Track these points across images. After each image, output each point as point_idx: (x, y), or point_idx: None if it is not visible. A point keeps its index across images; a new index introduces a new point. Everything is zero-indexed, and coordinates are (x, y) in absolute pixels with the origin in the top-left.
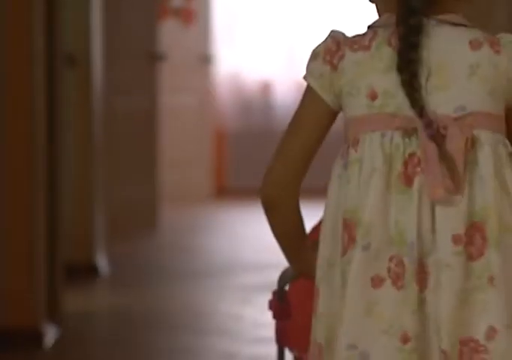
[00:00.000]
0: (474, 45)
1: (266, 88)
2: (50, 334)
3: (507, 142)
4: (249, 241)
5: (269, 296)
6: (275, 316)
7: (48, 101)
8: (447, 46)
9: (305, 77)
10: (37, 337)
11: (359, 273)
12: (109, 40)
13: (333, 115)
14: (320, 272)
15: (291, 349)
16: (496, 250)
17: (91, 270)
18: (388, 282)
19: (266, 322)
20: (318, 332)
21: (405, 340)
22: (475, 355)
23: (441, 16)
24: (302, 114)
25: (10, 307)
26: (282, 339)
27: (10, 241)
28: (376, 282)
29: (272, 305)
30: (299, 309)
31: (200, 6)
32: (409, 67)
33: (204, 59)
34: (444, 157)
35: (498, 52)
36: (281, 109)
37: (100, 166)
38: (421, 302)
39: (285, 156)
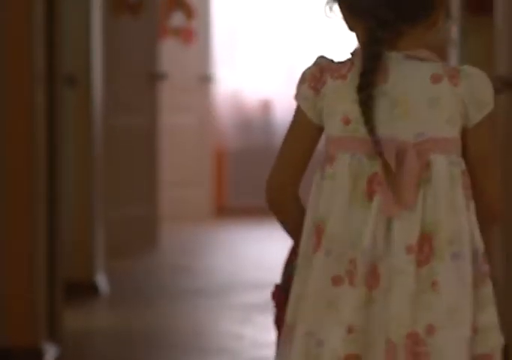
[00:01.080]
0: (435, 79)
1: (265, 107)
2: (50, 353)
3: (460, 160)
4: (249, 260)
5: (269, 316)
6: (277, 306)
7: (48, 121)
8: (411, 79)
9: (295, 98)
10: (38, 355)
11: (321, 273)
12: (109, 59)
13: (320, 129)
14: (299, 262)
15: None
16: (440, 260)
17: (91, 288)
18: (346, 281)
19: (266, 342)
20: (289, 315)
21: (350, 331)
22: (416, 347)
23: (408, 52)
24: (295, 128)
25: (10, 325)
26: (281, 327)
27: (10, 259)
28: (336, 281)
29: (275, 295)
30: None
31: (200, 25)
32: (366, 90)
33: (204, 78)
34: (400, 177)
35: (456, 84)
36: (281, 128)
37: (100, 184)
38: (368, 300)
39: (282, 164)
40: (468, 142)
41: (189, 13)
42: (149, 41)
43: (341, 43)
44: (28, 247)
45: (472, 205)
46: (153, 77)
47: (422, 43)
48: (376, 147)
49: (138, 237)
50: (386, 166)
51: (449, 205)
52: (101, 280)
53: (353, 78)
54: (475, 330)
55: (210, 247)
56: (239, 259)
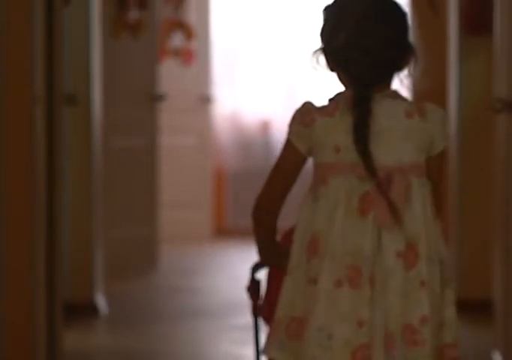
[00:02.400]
0: (409, 114)
1: (265, 128)
2: None
3: (427, 182)
4: None
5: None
6: (251, 297)
7: (48, 141)
8: (389, 115)
9: (287, 134)
10: None
11: (326, 277)
12: (109, 80)
13: (304, 160)
14: (289, 270)
15: (263, 320)
16: (425, 263)
17: (91, 309)
18: (346, 284)
19: None
20: (281, 311)
21: (361, 324)
22: (412, 336)
23: (384, 92)
24: (283, 159)
25: (10, 347)
26: (256, 313)
27: (10, 280)
28: (337, 284)
29: (248, 289)
30: (269, 292)
31: (200, 46)
32: (362, 129)
33: (203, 99)
34: (391, 196)
35: (424, 119)
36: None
37: (99, 205)
38: (371, 299)
39: (271, 189)
40: (431, 167)
41: (189, 33)
42: (149, 62)
43: None
44: (27, 268)
45: (438, 221)
46: (153, 98)
47: (391, 83)
48: (369, 171)
49: (138, 258)
50: (378, 186)
51: (423, 221)
52: (101, 301)
53: (342, 114)
54: (442, 323)
55: (209, 267)
56: (238, 280)
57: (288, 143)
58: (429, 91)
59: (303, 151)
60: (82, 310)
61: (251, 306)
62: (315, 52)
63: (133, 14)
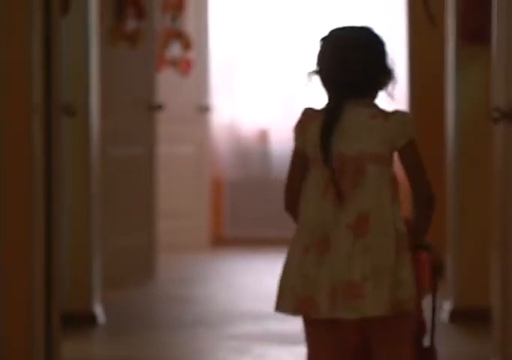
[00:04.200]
0: (372, 116)
1: (263, 137)
2: None
3: (391, 170)
4: (247, 291)
5: (267, 346)
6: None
7: (46, 151)
8: (356, 118)
9: (293, 138)
10: None
11: (298, 244)
12: (107, 89)
13: (304, 155)
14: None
15: None
16: (372, 233)
17: (89, 319)
18: (313, 250)
19: None
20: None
21: (303, 277)
22: (354, 290)
23: (358, 102)
24: (293, 157)
25: (9, 357)
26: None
27: (8, 290)
28: (305, 250)
29: None
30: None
31: (198, 56)
32: (325, 131)
33: (201, 108)
34: (344, 179)
35: (386, 120)
36: (279, 158)
37: (97, 214)
38: (320, 259)
39: (288, 187)
40: (400, 158)
41: (187, 43)
42: (147, 71)
43: None
44: (25, 277)
45: (397, 203)
46: (151, 107)
47: (374, 97)
48: (325, 162)
49: (136, 267)
50: (334, 172)
51: (380, 199)
52: (99, 311)
53: (319, 120)
54: (399, 281)
55: (207, 277)
56: (236, 290)
57: (294, 145)
58: (428, 98)
59: (301, 150)
60: (80, 320)
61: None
62: (309, 73)
63: (131, 24)
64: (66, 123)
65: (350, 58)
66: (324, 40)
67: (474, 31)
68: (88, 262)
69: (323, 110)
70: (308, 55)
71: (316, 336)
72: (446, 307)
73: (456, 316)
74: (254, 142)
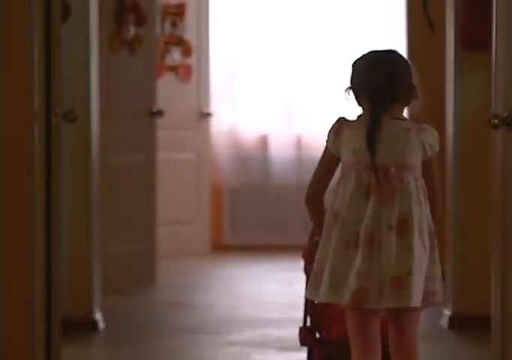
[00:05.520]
0: (407, 130)
1: (263, 144)
2: None
3: (420, 177)
4: (247, 297)
5: (266, 352)
6: (305, 261)
7: (46, 157)
8: (393, 130)
9: (326, 141)
10: None
11: (339, 240)
12: (107, 96)
13: (337, 159)
14: (322, 234)
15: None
16: (412, 234)
17: (89, 325)
18: (352, 245)
19: None
20: (316, 266)
21: (358, 274)
22: (399, 283)
23: (392, 115)
24: (323, 159)
25: None
26: (309, 274)
27: (8, 297)
28: (346, 245)
29: (304, 256)
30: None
31: (198, 62)
32: (371, 140)
33: (201, 115)
34: (388, 185)
35: (419, 133)
36: (279, 165)
37: (97, 221)
38: (369, 256)
39: (315, 181)
40: (426, 168)
41: (187, 49)
42: (147, 78)
43: (338, 79)
44: (25, 284)
45: (427, 206)
46: (151, 113)
47: (401, 111)
48: (373, 168)
49: (136, 273)
50: (378, 178)
51: (415, 203)
52: (99, 317)
53: (360, 129)
54: (431, 276)
55: (207, 283)
56: (236, 296)
57: (326, 148)
58: (427, 110)
59: (335, 154)
60: (80, 326)
61: (304, 267)
62: (346, 89)
63: (131, 30)
64: (66, 129)
65: (393, 78)
66: (361, 59)
67: (474, 38)
68: (89, 268)
69: (360, 121)
70: (307, 61)
71: (361, 323)
72: (445, 313)
73: (455, 322)
74: (254, 148)
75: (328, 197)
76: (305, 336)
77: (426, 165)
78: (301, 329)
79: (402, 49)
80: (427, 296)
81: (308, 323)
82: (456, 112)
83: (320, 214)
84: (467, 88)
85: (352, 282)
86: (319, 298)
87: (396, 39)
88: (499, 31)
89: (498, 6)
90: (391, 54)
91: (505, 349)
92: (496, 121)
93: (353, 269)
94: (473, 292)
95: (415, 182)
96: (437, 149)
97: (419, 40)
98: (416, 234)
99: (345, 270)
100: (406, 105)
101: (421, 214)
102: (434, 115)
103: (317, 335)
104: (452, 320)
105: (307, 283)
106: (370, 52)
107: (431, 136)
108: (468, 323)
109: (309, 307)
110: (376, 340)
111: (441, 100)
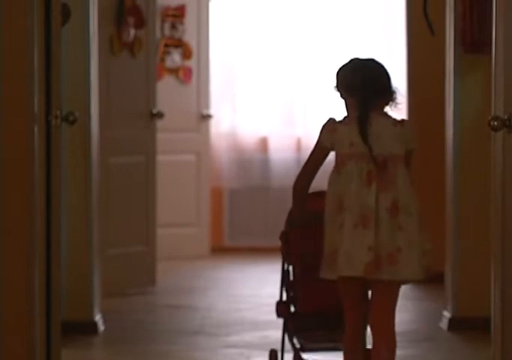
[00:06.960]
0: (394, 125)
1: (263, 145)
2: None
3: (405, 165)
4: (246, 300)
5: (266, 354)
6: (283, 243)
7: (46, 160)
8: (382, 125)
9: (319, 136)
10: None
11: (348, 222)
12: (107, 98)
13: (328, 152)
14: (326, 221)
15: (289, 262)
16: (402, 215)
17: (89, 328)
18: (360, 225)
19: None
20: (327, 246)
21: (369, 249)
22: (392, 258)
23: (378, 112)
24: (316, 151)
25: None
26: (285, 257)
27: (7, 299)
28: (354, 226)
29: (281, 237)
30: (296, 240)
31: (197, 64)
32: (364, 133)
33: (201, 117)
34: (384, 173)
35: (402, 128)
36: (278, 167)
37: (97, 223)
38: (376, 234)
39: (306, 170)
40: (408, 157)
41: (187, 52)
42: (147, 80)
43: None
44: (25, 286)
45: (414, 191)
46: (150, 116)
47: (384, 109)
48: (372, 158)
49: (135, 276)
50: (376, 167)
51: (403, 188)
52: (99, 319)
53: (353, 125)
54: (424, 252)
55: (207, 286)
56: (236, 299)
57: (319, 141)
58: (427, 107)
59: (328, 146)
60: (80, 329)
61: (282, 249)
62: (334, 87)
63: (131, 33)
64: (66, 132)
65: (377, 79)
66: (348, 64)
67: (474, 40)
68: (89, 270)
69: (350, 118)
70: (306, 63)
71: (357, 291)
72: (445, 315)
73: (455, 324)
74: (254, 150)
75: (329, 184)
76: (282, 309)
77: (408, 154)
78: (278, 303)
79: (403, 52)
80: (425, 270)
81: (284, 298)
82: (455, 114)
83: (303, 198)
84: (467, 90)
85: (364, 256)
86: (338, 273)
87: (396, 42)
88: (499, 34)
89: (498, 8)
90: (374, 60)
91: (505, 351)
92: (496, 123)
93: (363, 245)
94: (473, 294)
95: (403, 170)
96: (416, 143)
97: (419, 43)
98: (406, 215)
99: (356, 247)
100: (386, 104)
101: (410, 197)
102: (434, 117)
103: (292, 309)
104: (451, 322)
105: (283, 262)
106: (355, 59)
107: (411, 130)
108: (468, 325)
109: (285, 283)
110: (362, 300)
111: (441, 102)
